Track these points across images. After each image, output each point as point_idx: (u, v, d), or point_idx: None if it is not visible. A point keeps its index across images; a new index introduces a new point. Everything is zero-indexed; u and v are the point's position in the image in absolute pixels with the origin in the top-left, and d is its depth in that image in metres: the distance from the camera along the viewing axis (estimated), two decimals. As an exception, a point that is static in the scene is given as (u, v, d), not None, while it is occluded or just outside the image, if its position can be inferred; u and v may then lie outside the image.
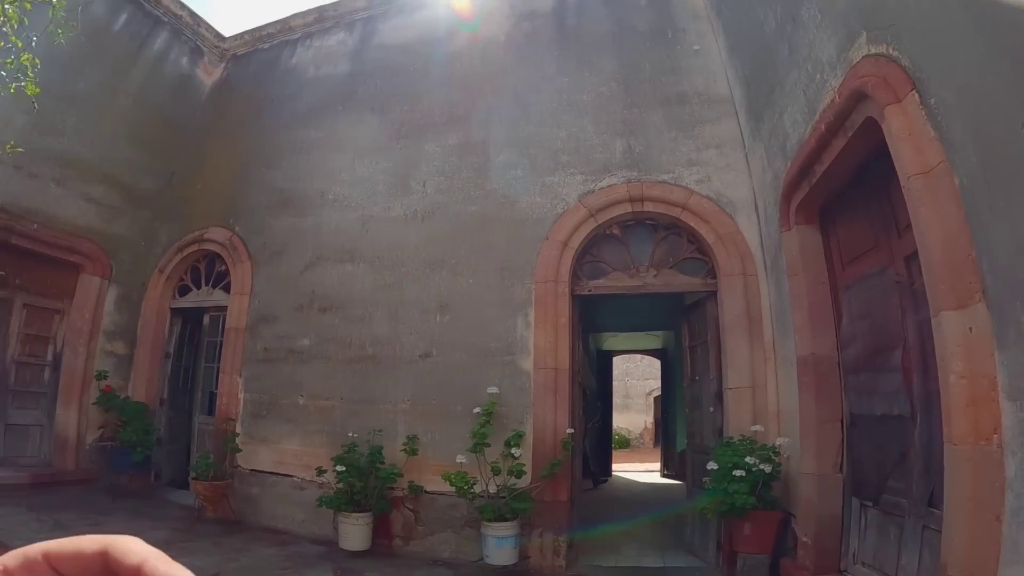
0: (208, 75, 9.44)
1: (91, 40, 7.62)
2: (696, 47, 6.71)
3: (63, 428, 7.58)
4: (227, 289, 7.99)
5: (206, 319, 8.27)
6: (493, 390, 5.93)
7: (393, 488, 6.04)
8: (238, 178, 8.37)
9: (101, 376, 7.70)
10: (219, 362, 7.68)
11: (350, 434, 6.31)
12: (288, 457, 6.89)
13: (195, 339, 8.64)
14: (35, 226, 7.34)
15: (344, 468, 5.84)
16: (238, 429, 7.21)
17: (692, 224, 5.95)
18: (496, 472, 5.54)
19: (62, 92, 7.49)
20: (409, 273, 6.84)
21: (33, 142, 7.26)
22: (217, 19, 33.41)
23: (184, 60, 9.09)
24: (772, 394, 5.37)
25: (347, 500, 5.83)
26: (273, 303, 7.50)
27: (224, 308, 7.89)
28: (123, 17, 8.16)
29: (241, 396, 7.36)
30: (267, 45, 9.25)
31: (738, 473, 4.78)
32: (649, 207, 6.20)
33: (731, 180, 6.04)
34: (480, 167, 6.96)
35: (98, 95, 7.95)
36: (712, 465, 5.02)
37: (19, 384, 7.50)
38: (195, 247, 8.29)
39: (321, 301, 7.21)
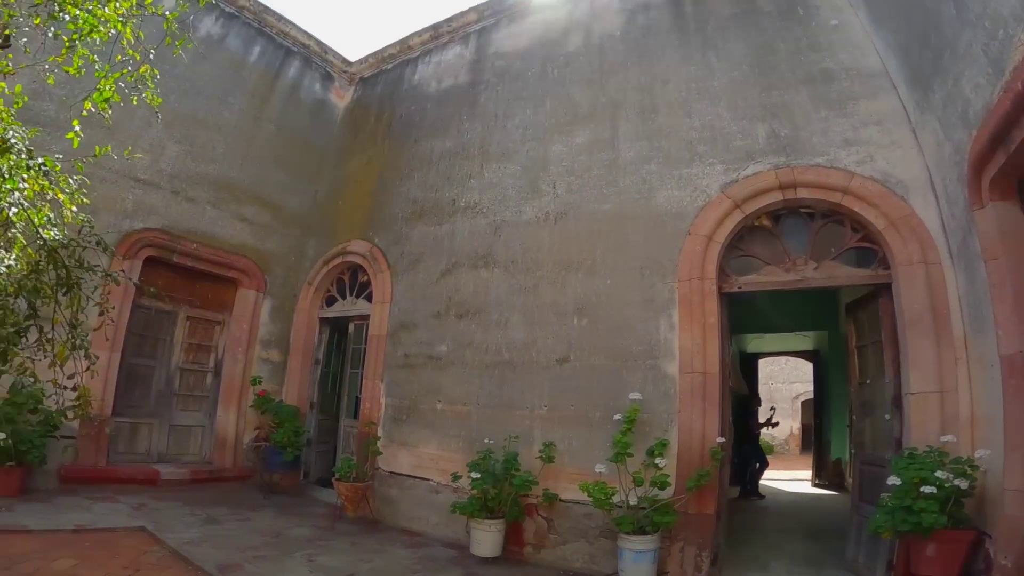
0: (340, 98, 9.89)
1: (230, 73, 8.38)
2: (834, 22, 6.00)
3: (222, 429, 8.05)
4: (369, 298, 8.15)
5: (351, 327, 8.51)
6: (635, 396, 5.55)
7: (527, 496, 5.78)
8: (375, 192, 8.58)
9: (255, 381, 8.11)
10: (363, 368, 7.86)
11: (486, 440, 6.14)
12: (425, 461, 6.85)
13: (342, 346, 8.89)
14: (194, 245, 7.90)
15: (479, 475, 5.67)
16: (379, 432, 7.29)
17: (856, 209, 5.22)
18: (638, 483, 5.12)
19: (210, 122, 8.15)
20: (544, 276, 6.63)
21: (188, 169, 7.90)
22: (341, 45, 34.98)
23: (317, 86, 9.61)
24: (964, 399, 4.54)
25: (480, 506, 5.63)
26: (412, 310, 7.56)
27: (367, 317, 8.06)
28: (256, 50, 8.78)
29: (383, 401, 7.46)
30: (390, 65, 9.53)
31: (927, 490, 4.07)
32: (803, 193, 5.57)
33: (898, 158, 5.28)
34: (611, 164, 6.63)
35: (243, 123, 8.55)
36: (894, 480, 4.31)
37: (183, 388, 8.06)
38: (339, 260, 8.58)
39: (457, 307, 7.17)
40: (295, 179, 9.17)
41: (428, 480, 6.67)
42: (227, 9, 8.52)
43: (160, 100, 4.53)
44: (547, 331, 6.43)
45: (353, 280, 8.64)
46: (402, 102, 8.98)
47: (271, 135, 8.91)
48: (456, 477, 5.95)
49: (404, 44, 9.21)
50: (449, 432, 6.76)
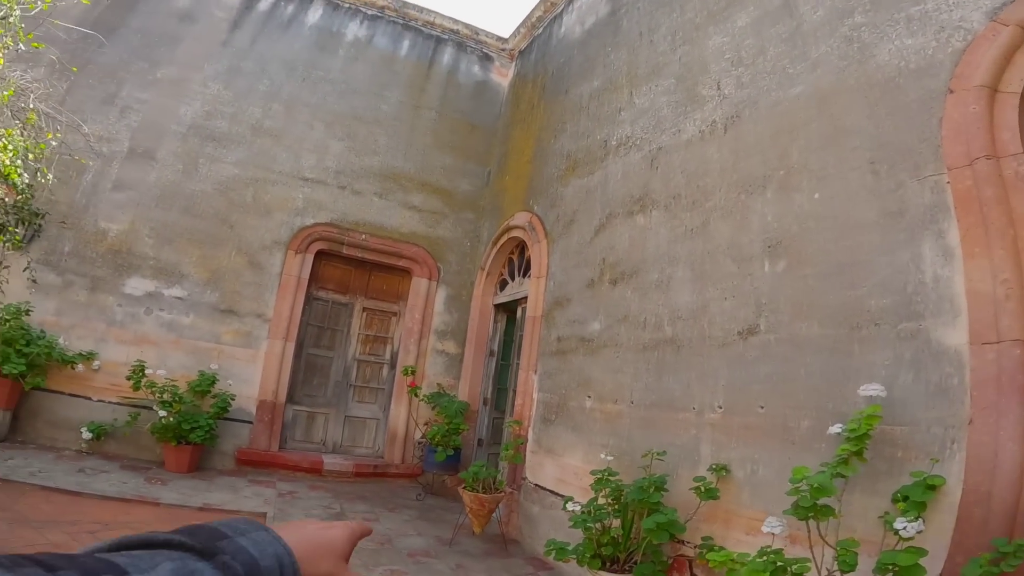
0: (503, 76, 8.28)
1: (382, 69, 7.56)
2: None
3: (394, 422, 6.79)
4: (534, 277, 6.19)
5: (519, 311, 6.62)
6: (872, 390, 2.50)
7: (680, 543, 3.18)
8: (534, 158, 6.59)
9: (407, 372, 6.65)
10: (520, 357, 5.91)
11: (603, 455, 3.71)
12: (569, 474, 4.53)
13: (514, 335, 7.08)
14: (363, 236, 6.91)
15: (582, 506, 3.26)
16: (529, 434, 5.22)
17: None
18: (845, 566, 2.12)
19: (369, 116, 7.30)
20: (716, 207, 3.88)
21: (352, 163, 7.12)
22: (494, 23, 29.21)
23: (475, 68, 8.17)
24: None
25: (592, 552, 3.16)
26: (566, 282, 5.36)
27: (530, 298, 6.10)
28: (405, 44, 7.79)
29: (535, 396, 5.36)
30: (540, 29, 7.54)
31: None
32: None
33: None
34: (790, 35, 3.62)
35: (402, 113, 7.53)
36: None
37: (360, 380, 7.03)
38: (505, 238, 6.76)
39: (611, 270, 4.76)
40: (463, 162, 7.73)
41: (570, 500, 4.37)
42: (369, 12, 7.69)
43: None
44: (723, 288, 3.68)
45: (520, 259, 6.74)
46: (553, 59, 6.90)
47: (432, 122, 7.67)
48: (567, 501, 3.56)
49: (547, 2, 7.16)
50: (596, 439, 4.36)
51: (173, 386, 5.61)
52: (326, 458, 6.33)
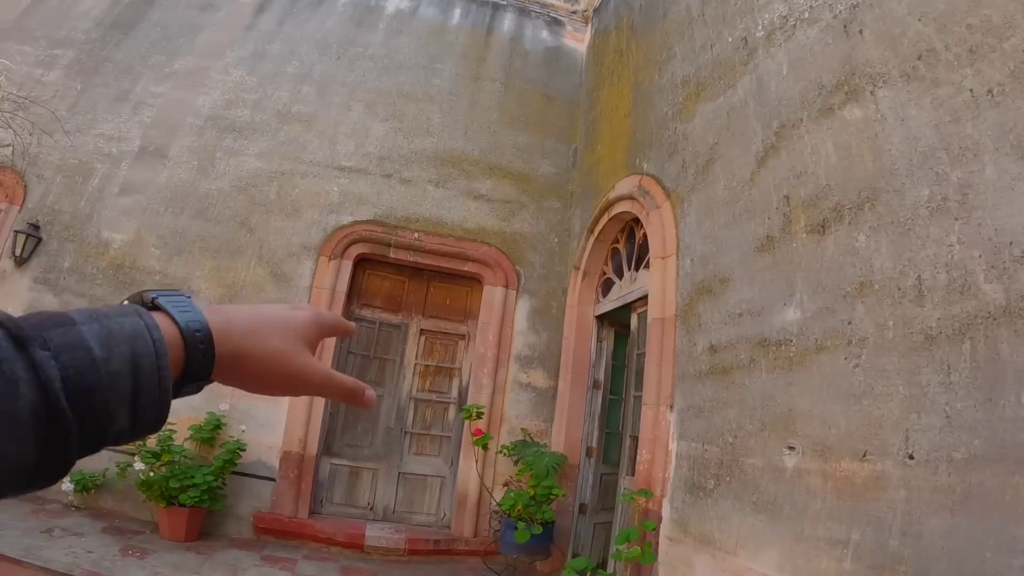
0: (578, 42, 6.51)
1: (431, 40, 6.07)
2: None
3: (464, 481, 4.70)
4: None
5: (634, 319, 4.41)
6: None
7: None
8: (633, 108, 4.53)
9: (468, 415, 4.44)
10: (642, 386, 3.71)
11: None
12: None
13: (627, 355, 4.83)
14: (415, 235, 5.14)
15: None
16: (665, 510, 2.98)
17: None
18: None
19: (418, 92, 5.75)
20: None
21: (399, 147, 5.46)
22: None
23: (544, 33, 6.47)
24: None
25: None
26: (714, 254, 3.16)
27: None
28: (456, 12, 6.30)
29: (673, 447, 3.14)
30: None
31: None
32: None
33: None
34: None
35: (458, 87, 5.90)
36: None
37: (418, 426, 5.04)
38: (605, 220, 4.67)
39: (809, 211, 2.51)
40: (541, 140, 5.85)
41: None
42: (414, -17, 6.28)
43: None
44: None
45: (630, 246, 4.59)
46: (636, -7, 4.95)
47: (497, 95, 5.94)
48: None
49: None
50: (815, 528, 2.07)
51: (169, 430, 3.99)
52: (370, 528, 4.38)
